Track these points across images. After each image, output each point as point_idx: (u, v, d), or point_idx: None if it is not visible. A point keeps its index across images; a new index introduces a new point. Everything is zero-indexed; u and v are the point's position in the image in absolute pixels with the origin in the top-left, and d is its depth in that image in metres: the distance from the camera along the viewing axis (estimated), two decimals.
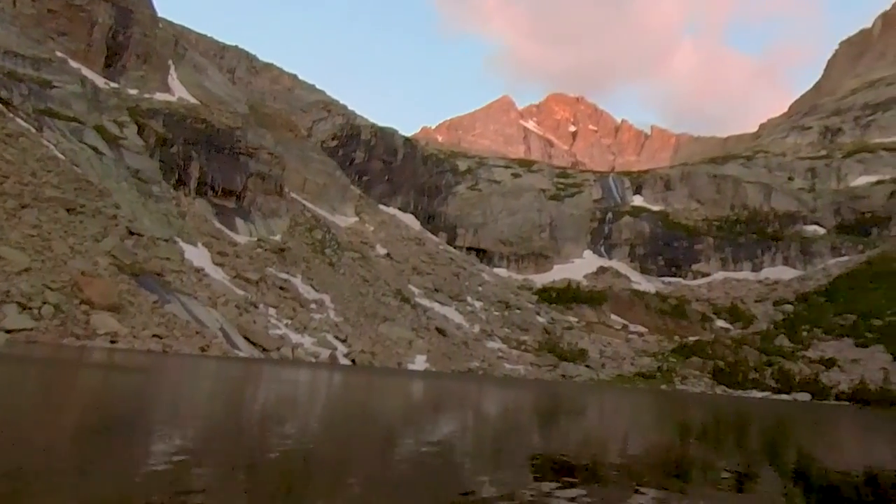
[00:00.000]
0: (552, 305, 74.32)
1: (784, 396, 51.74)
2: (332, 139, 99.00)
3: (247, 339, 37.32)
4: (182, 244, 44.86)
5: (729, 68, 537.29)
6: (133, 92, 60.50)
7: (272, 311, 44.29)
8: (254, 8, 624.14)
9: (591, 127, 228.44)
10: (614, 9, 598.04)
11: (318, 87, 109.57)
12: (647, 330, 72.26)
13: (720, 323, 75.30)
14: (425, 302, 61.53)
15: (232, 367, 24.54)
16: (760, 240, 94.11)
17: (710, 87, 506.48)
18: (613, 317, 74.68)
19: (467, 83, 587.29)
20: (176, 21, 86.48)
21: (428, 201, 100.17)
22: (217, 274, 44.82)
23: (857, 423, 25.95)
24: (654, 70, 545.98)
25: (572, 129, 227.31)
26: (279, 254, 54.77)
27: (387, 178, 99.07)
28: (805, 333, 67.05)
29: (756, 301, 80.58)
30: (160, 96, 62.74)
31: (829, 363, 59.40)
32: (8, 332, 24.78)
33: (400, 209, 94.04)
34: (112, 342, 27.77)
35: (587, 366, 56.82)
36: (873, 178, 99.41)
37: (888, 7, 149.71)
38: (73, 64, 55.31)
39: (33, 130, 42.58)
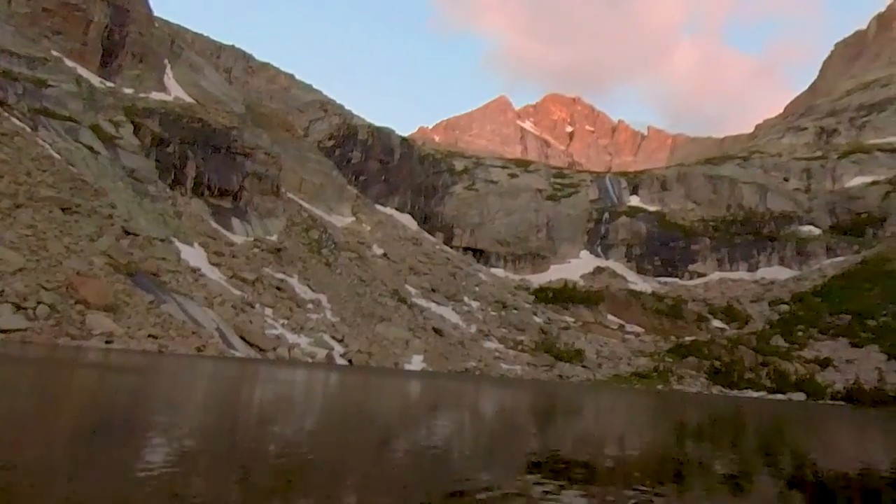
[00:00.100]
0: (549, 305, 74.39)
1: (779, 396, 51.94)
2: (329, 139, 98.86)
3: (243, 339, 37.24)
4: (178, 244, 44.76)
5: (728, 67, 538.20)
6: (129, 91, 60.35)
7: (269, 311, 44.22)
8: (250, 7, 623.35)
9: (587, 127, 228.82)
10: (613, 7, 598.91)
11: (314, 86, 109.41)
12: (643, 330, 72.40)
13: (716, 323, 75.51)
14: (422, 302, 61.51)
15: (228, 368, 24.49)
16: (756, 240, 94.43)
17: (709, 86, 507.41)
18: (610, 317, 74.81)
19: (464, 82, 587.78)
20: (172, 20, 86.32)
21: (425, 201, 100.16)
22: (213, 274, 44.73)
23: (852, 423, 26.05)
24: (652, 68, 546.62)
25: (569, 129, 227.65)
26: (276, 254, 54.69)
27: (383, 177, 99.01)
28: (800, 333, 67.30)
29: (752, 301, 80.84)
30: (156, 95, 62.59)
31: (825, 363, 59.65)
32: (2, 332, 24.68)
33: (397, 209, 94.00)
34: (107, 342, 27.68)
35: (584, 366, 56.89)
36: (868, 179, 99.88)
37: (883, 9, 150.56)
38: (69, 63, 55.13)
39: (28, 130, 42.42)
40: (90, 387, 12.84)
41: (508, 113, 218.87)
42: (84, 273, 31.19)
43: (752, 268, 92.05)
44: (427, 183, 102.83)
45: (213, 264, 46.31)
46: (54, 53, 54.42)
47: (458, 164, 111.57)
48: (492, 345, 57.18)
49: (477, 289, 72.39)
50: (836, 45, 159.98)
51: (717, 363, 59.92)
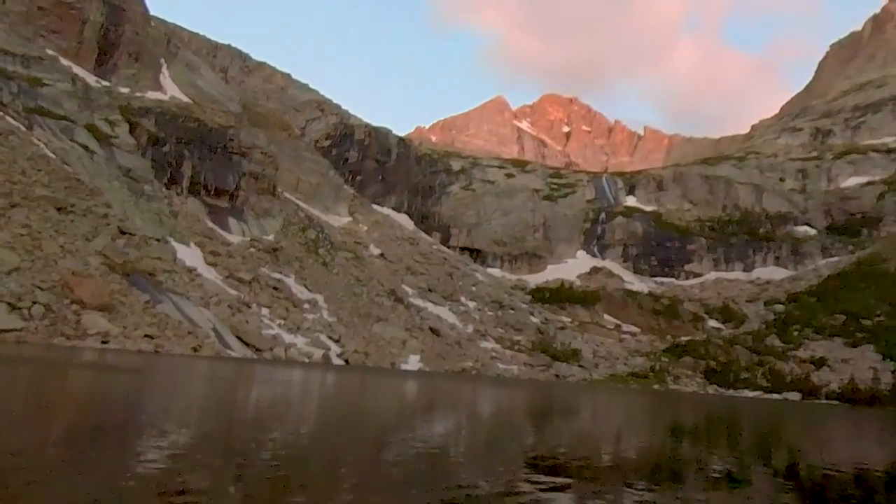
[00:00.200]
0: (545, 305, 74.49)
1: (775, 396, 52.13)
2: (326, 139, 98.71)
3: (239, 339, 37.18)
4: (174, 244, 44.64)
5: (727, 66, 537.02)
6: (125, 90, 60.14)
7: (265, 311, 44.14)
8: (247, 6, 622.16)
9: (584, 127, 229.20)
10: (612, 4, 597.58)
11: (311, 86, 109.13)
12: (639, 330, 72.58)
13: (712, 323, 75.76)
14: (419, 302, 61.50)
15: (224, 368, 24.44)
16: (752, 240, 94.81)
17: (707, 84, 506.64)
18: (606, 317, 74.96)
19: (461, 81, 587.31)
20: (168, 19, 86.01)
21: (422, 201, 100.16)
22: (209, 274, 44.63)
23: (847, 422, 26.16)
24: (651, 67, 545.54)
25: (566, 129, 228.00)
26: (272, 254, 54.59)
27: (380, 177, 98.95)
28: (796, 333, 67.57)
29: (747, 301, 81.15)
30: (152, 95, 62.40)
31: (820, 363, 59.91)
32: None
33: (393, 209, 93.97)
34: (103, 342, 27.59)
35: (580, 366, 57.00)
36: (863, 180, 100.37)
37: (878, 10, 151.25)
38: (64, 62, 54.94)
39: (23, 129, 42.25)
40: (85, 387, 12.80)
41: (505, 113, 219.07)
42: (79, 273, 31.08)
43: (748, 268, 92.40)
44: (424, 183, 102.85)
45: (209, 264, 46.20)
46: (49, 52, 54.22)
47: (455, 164, 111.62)
48: (488, 345, 57.21)
49: (474, 289, 72.42)
50: (832, 46, 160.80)
51: (712, 363, 60.12)
